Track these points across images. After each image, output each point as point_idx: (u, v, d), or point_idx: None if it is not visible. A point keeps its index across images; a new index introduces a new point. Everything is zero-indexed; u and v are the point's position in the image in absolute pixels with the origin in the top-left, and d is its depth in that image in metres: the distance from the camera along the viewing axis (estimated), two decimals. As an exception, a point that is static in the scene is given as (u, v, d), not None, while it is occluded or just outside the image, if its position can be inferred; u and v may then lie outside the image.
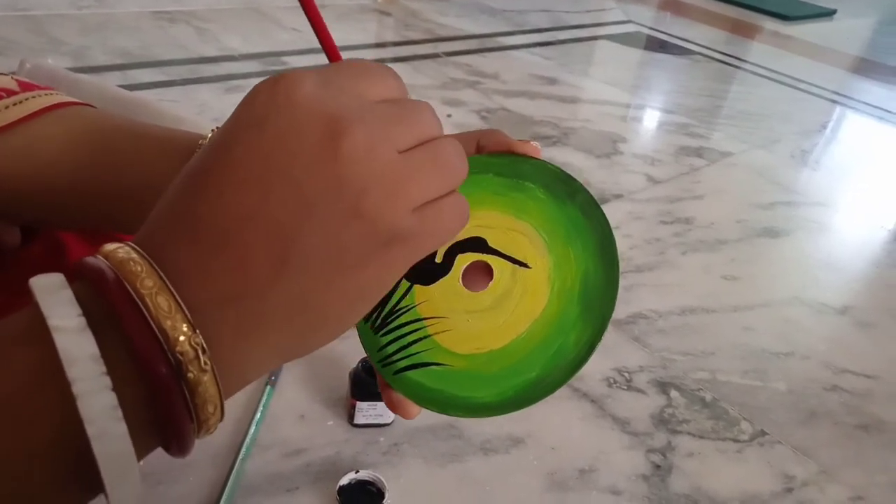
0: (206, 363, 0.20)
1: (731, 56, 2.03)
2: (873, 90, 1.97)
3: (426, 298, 0.30)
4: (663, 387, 0.71)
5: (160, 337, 0.20)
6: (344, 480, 0.53)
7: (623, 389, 0.69)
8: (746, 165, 1.29)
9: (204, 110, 1.08)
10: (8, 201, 0.36)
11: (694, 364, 0.75)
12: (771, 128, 1.50)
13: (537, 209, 0.31)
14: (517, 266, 0.31)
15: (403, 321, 0.30)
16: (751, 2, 2.67)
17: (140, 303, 0.20)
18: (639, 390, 0.70)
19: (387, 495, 0.53)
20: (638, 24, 2.21)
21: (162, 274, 0.20)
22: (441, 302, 0.30)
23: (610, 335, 0.76)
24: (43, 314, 0.19)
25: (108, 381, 0.19)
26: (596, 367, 0.71)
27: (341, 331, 0.24)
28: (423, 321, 0.30)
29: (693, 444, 0.64)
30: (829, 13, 2.84)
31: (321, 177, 0.21)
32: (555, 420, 0.64)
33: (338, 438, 0.58)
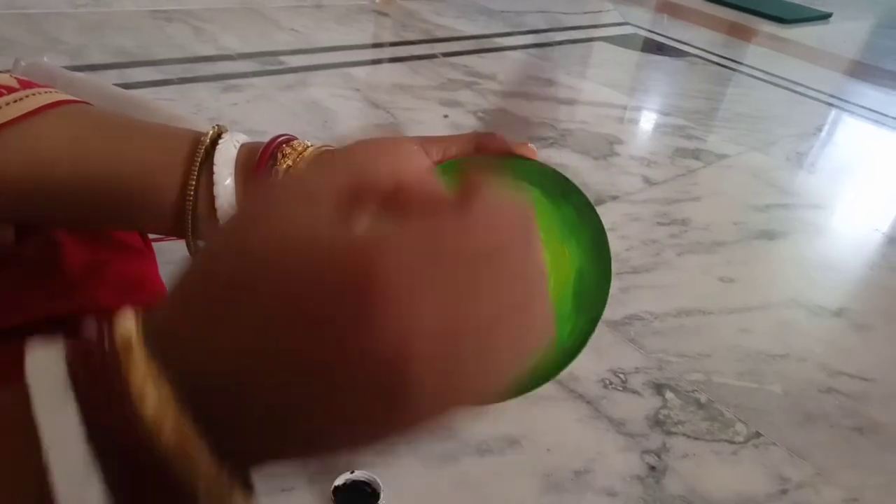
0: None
1: (728, 59, 2.03)
2: (869, 93, 1.98)
3: None
4: (659, 388, 0.71)
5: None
6: (339, 481, 0.53)
7: (618, 391, 0.69)
8: (743, 168, 1.29)
9: (201, 109, 1.07)
10: (6, 199, 0.36)
11: (689, 366, 0.75)
12: (767, 130, 1.50)
13: (535, 210, 0.31)
14: None
15: None
16: (748, 4, 2.67)
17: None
18: (634, 392, 0.70)
19: (382, 496, 0.53)
20: (635, 26, 2.22)
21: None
22: None
23: (605, 336, 0.76)
24: (42, 446, 0.17)
25: None
26: (591, 369, 0.71)
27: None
28: None
29: (688, 446, 0.64)
30: (825, 16, 2.85)
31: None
32: (550, 421, 0.64)
33: (333, 439, 0.58)
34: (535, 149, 0.31)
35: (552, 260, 0.32)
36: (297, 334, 0.18)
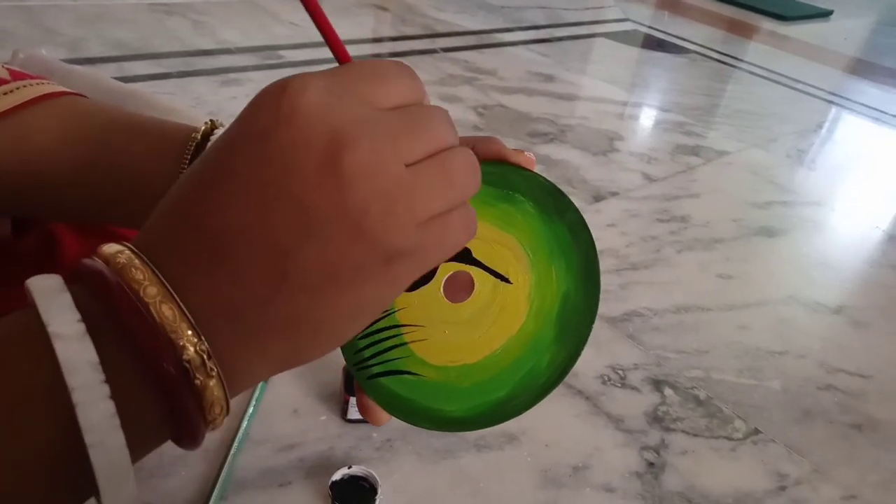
0: (211, 369, 0.20)
1: (729, 55, 2.03)
2: (869, 91, 1.97)
3: (406, 305, 0.30)
4: (657, 384, 0.71)
5: (166, 344, 0.20)
6: (336, 476, 0.53)
7: (617, 387, 0.69)
8: (743, 164, 1.29)
9: (199, 103, 1.07)
10: (0, 191, 0.36)
11: (688, 362, 0.75)
12: (767, 127, 1.50)
13: (525, 223, 0.30)
14: (499, 280, 0.30)
15: (381, 326, 0.30)
16: (748, 1, 2.67)
17: (144, 311, 0.20)
18: (633, 388, 0.69)
19: (379, 491, 0.53)
20: (636, 22, 2.21)
21: (166, 282, 0.20)
22: (420, 310, 0.30)
23: (604, 332, 0.76)
24: (42, 319, 0.19)
25: (107, 389, 0.19)
26: (590, 365, 0.71)
27: (339, 343, 0.23)
28: (401, 328, 0.30)
29: (687, 442, 0.64)
30: (826, 14, 2.84)
31: (322, 194, 0.20)
32: (549, 417, 0.64)
33: (331, 434, 0.58)
34: (532, 157, 0.30)
35: (537, 280, 0.30)
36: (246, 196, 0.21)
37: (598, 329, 0.76)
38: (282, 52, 1.36)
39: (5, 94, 0.35)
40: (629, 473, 0.60)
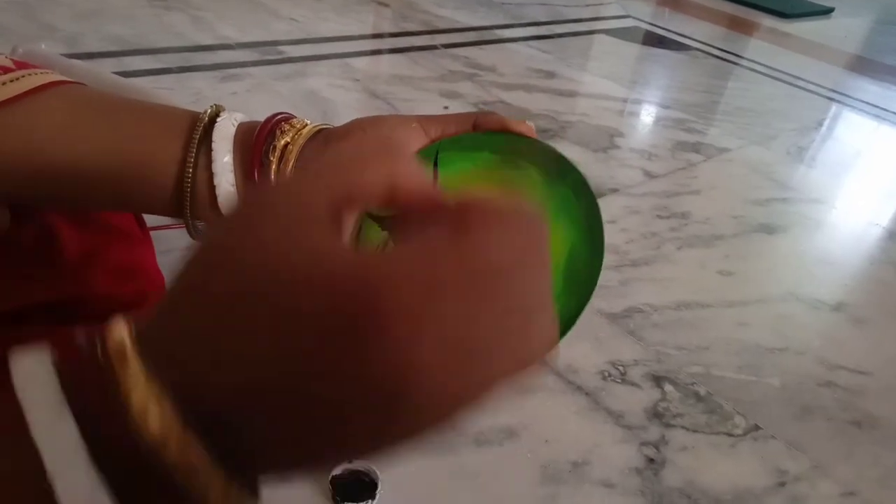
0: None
1: (729, 52, 2.02)
2: (870, 88, 1.97)
3: None
4: (658, 381, 0.71)
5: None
6: (337, 471, 0.53)
7: (617, 383, 0.69)
8: (743, 161, 1.29)
9: (199, 99, 1.07)
10: (2, 180, 0.36)
11: (688, 358, 0.75)
12: (768, 124, 1.50)
13: (529, 186, 0.31)
14: None
15: None
16: (749, -2, 2.66)
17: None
18: (633, 384, 0.69)
19: (380, 486, 0.53)
20: (636, 19, 2.21)
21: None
22: None
23: (605, 328, 0.76)
24: (36, 446, 0.17)
25: None
26: (590, 361, 0.71)
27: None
28: None
29: (687, 438, 0.64)
30: (826, 11, 2.84)
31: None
32: (549, 413, 0.64)
33: (331, 429, 0.57)
34: (532, 126, 0.31)
35: None
36: (293, 356, 0.17)
37: (599, 325, 0.76)
38: (281, 48, 1.36)
39: (11, 81, 0.35)
40: (629, 469, 0.60)
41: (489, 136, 0.28)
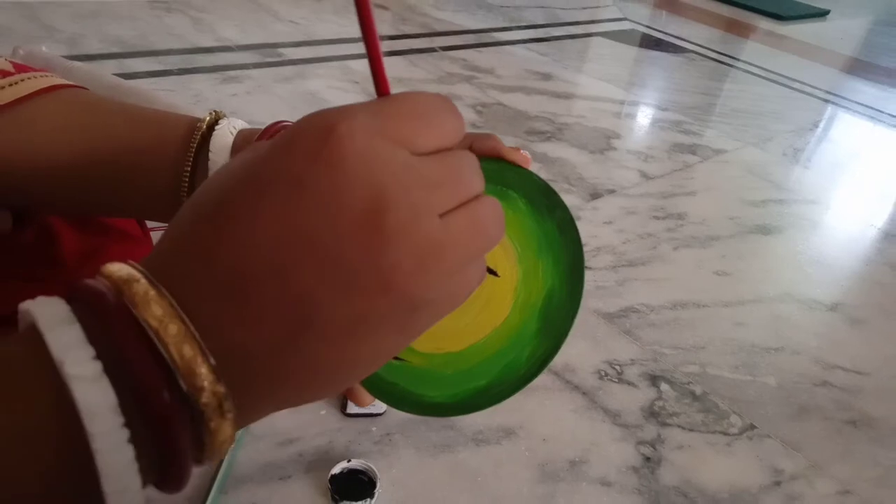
0: (227, 411, 0.19)
1: (726, 55, 2.03)
2: (865, 90, 1.98)
3: None
4: (654, 380, 0.71)
5: (182, 376, 0.18)
6: (336, 469, 0.53)
7: (614, 382, 0.70)
8: (739, 163, 1.29)
9: (199, 100, 1.07)
10: (1, 184, 0.36)
11: (685, 358, 0.75)
12: (764, 126, 1.51)
13: (516, 219, 0.31)
14: (487, 272, 0.31)
15: None
16: (746, 1, 2.68)
17: (164, 350, 0.18)
18: (630, 383, 0.70)
19: (378, 485, 0.53)
20: (633, 21, 2.22)
21: (187, 320, 0.19)
22: None
23: (601, 328, 0.77)
24: (53, 355, 0.18)
25: (126, 433, 0.18)
26: (587, 360, 0.72)
27: (348, 387, 0.23)
28: None
29: (683, 437, 0.65)
30: (822, 13, 2.85)
31: (357, 249, 0.19)
32: (546, 412, 0.64)
33: (330, 428, 0.58)
34: (528, 155, 0.31)
35: (524, 274, 0.31)
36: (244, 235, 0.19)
37: (595, 325, 0.77)
38: (281, 50, 1.36)
39: (10, 85, 0.35)
40: (626, 468, 0.60)
41: (483, 163, 0.28)
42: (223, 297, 0.19)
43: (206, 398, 0.19)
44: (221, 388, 0.19)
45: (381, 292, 0.20)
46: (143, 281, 0.19)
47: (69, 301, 0.19)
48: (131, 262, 0.20)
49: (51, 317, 0.18)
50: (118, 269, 0.19)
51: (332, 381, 0.21)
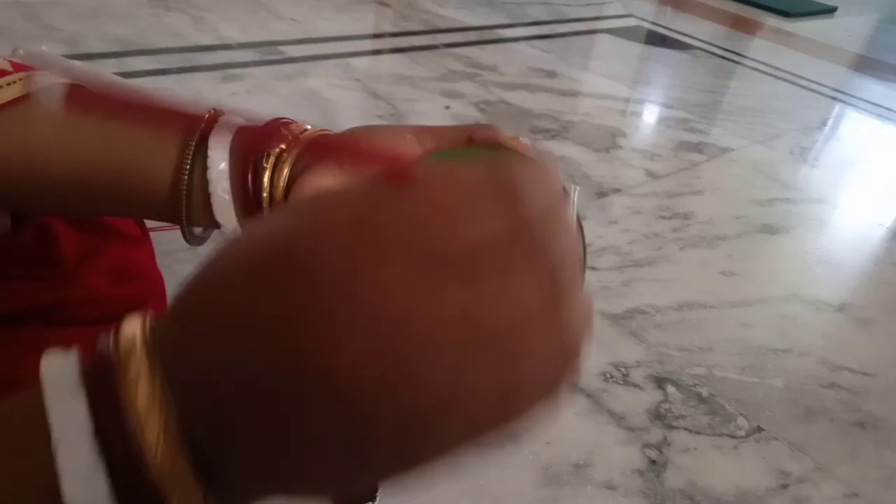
0: None
1: (732, 52, 2.02)
2: (873, 88, 1.96)
3: None
4: (660, 382, 0.70)
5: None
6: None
7: (619, 384, 0.69)
8: (746, 161, 1.28)
9: (200, 99, 1.07)
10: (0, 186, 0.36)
11: (691, 359, 0.74)
12: (770, 124, 1.50)
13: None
14: None
15: None
16: (752, -3, 2.66)
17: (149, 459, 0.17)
18: (635, 385, 0.69)
19: (379, 487, 0.52)
20: (638, 18, 2.20)
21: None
22: None
23: (606, 330, 0.76)
24: (52, 437, 0.17)
25: None
26: (592, 362, 0.71)
27: None
28: None
29: (689, 440, 0.64)
30: (830, 10, 2.83)
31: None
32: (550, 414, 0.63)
33: (331, 431, 0.57)
34: (528, 143, 0.30)
35: None
36: (249, 349, 0.16)
37: (601, 326, 0.76)
38: (282, 48, 1.36)
39: (7, 85, 0.34)
40: (631, 471, 0.59)
41: (480, 151, 0.27)
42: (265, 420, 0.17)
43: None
44: None
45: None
46: (155, 389, 0.17)
47: (84, 360, 0.18)
48: (152, 320, 0.18)
49: (57, 385, 0.17)
50: (128, 330, 0.18)
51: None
